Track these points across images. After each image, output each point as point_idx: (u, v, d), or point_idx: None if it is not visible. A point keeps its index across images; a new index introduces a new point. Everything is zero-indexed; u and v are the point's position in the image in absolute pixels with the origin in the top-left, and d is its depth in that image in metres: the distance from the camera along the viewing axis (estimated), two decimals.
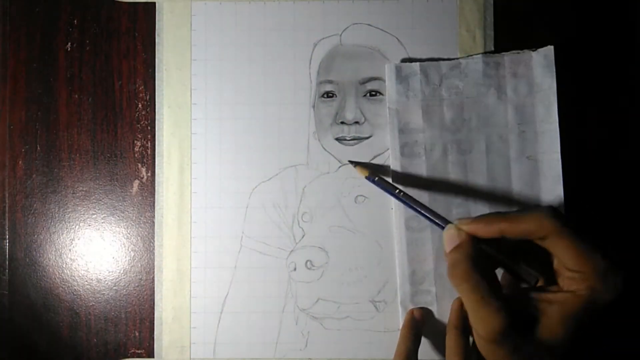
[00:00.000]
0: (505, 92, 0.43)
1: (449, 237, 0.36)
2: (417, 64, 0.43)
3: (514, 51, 0.42)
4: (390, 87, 0.43)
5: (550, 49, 0.42)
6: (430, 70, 0.43)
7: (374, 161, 0.44)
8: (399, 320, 0.43)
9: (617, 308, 0.33)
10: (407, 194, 0.40)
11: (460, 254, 0.35)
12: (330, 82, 0.44)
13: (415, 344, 0.40)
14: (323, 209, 0.44)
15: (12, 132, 0.45)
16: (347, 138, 0.44)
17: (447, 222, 0.37)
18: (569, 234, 0.33)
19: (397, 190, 0.40)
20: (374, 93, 0.44)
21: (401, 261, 0.43)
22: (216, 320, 0.44)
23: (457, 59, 0.43)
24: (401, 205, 0.42)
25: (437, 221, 0.38)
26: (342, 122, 0.44)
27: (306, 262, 0.44)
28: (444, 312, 0.42)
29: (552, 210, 0.34)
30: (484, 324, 0.33)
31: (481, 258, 0.35)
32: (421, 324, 0.41)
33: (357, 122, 0.44)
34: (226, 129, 0.45)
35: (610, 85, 0.44)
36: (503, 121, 0.43)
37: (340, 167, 0.44)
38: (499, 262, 0.37)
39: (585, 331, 0.33)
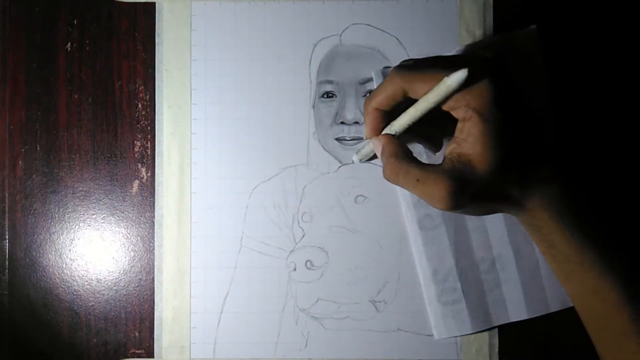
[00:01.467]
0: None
1: (375, 148, 0.37)
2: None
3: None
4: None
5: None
6: None
7: (374, 161, 0.44)
8: (432, 326, 0.43)
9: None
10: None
11: (384, 155, 0.36)
12: (330, 82, 0.44)
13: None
14: (323, 209, 0.44)
15: (12, 132, 0.45)
16: (347, 138, 0.44)
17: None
18: (415, 71, 0.34)
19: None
20: None
21: (420, 262, 0.43)
22: (216, 320, 0.44)
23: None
24: (412, 206, 0.42)
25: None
26: (342, 122, 0.44)
27: (306, 262, 0.44)
28: (472, 307, 0.42)
29: (399, 67, 0.35)
30: (435, 198, 0.34)
31: (406, 150, 0.36)
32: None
33: (357, 122, 0.44)
34: (226, 129, 0.45)
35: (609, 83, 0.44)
36: None
37: (340, 167, 0.44)
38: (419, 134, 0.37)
39: (507, 128, 0.33)
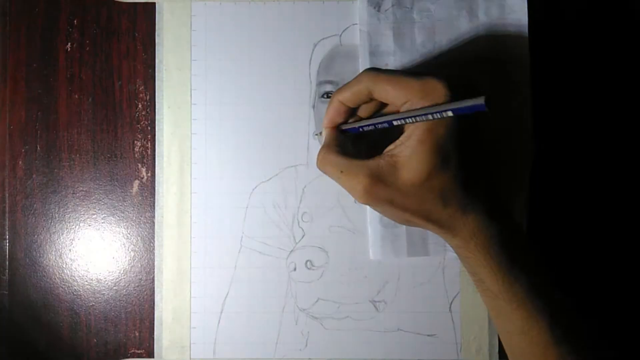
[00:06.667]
0: (477, 15, 0.43)
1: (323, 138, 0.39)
2: None
3: None
4: (361, 9, 0.43)
5: None
6: None
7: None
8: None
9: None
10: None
11: (321, 150, 0.37)
12: (330, 82, 0.44)
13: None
14: (323, 209, 0.44)
15: (12, 132, 0.45)
16: None
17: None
18: (382, 73, 0.35)
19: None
20: None
21: None
22: (216, 320, 0.44)
23: None
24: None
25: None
26: None
27: (306, 262, 0.44)
28: (412, 234, 0.43)
29: (369, 69, 0.36)
30: (354, 192, 0.35)
31: (343, 144, 0.37)
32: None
33: None
34: (226, 129, 0.45)
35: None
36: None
37: None
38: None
39: (451, 154, 0.33)
